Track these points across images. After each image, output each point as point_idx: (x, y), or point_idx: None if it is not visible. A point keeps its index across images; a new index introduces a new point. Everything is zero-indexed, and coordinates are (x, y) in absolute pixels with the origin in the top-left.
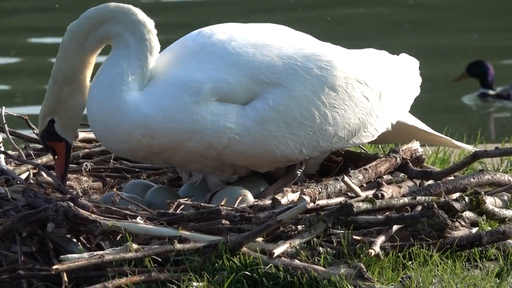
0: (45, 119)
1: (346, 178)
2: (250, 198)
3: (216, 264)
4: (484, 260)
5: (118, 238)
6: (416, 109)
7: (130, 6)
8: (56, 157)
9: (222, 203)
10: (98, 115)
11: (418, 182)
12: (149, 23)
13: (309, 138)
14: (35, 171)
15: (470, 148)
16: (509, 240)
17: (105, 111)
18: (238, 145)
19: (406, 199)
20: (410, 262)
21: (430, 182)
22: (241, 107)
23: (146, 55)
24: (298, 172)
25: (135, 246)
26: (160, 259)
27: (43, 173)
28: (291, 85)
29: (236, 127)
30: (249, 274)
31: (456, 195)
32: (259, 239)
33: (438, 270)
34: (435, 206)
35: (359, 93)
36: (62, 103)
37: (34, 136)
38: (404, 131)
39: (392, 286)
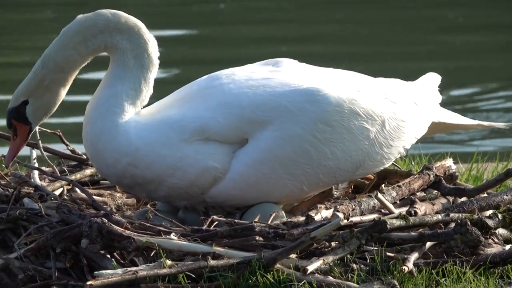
0: (19, 98)
1: (379, 195)
2: (283, 214)
3: (250, 281)
4: None
5: (152, 254)
6: None
7: (142, 27)
8: (15, 137)
9: (256, 219)
10: (91, 134)
11: (451, 199)
12: (154, 44)
13: (309, 175)
14: (69, 187)
15: (501, 126)
16: None
17: (96, 132)
18: (234, 190)
19: (439, 216)
20: (443, 279)
21: (463, 199)
22: (230, 148)
23: (143, 76)
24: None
25: (169, 262)
26: (194, 275)
27: (77, 189)
28: (281, 123)
29: (222, 167)
30: None
31: (489, 212)
32: (293, 256)
33: (471, 287)
34: (469, 223)
35: (359, 125)
36: (42, 88)
37: (68, 152)
38: (432, 127)
39: None
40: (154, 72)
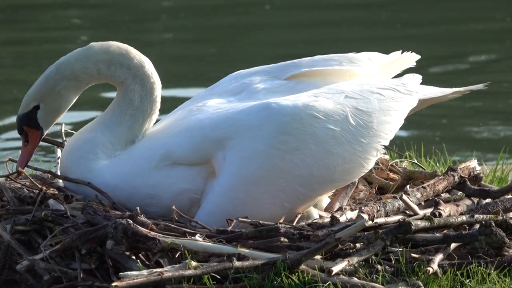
0: (30, 103)
1: (404, 196)
2: (314, 213)
3: (275, 282)
4: None
5: (177, 256)
6: None
7: (158, 94)
8: (26, 143)
9: (281, 221)
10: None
11: (476, 200)
12: (155, 115)
13: (285, 189)
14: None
15: (479, 87)
16: None
17: (73, 177)
18: (216, 224)
19: (464, 217)
20: (468, 280)
21: (488, 200)
22: (200, 170)
23: (126, 139)
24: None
25: (194, 263)
26: (219, 277)
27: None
28: (242, 140)
29: (196, 188)
30: None
31: None
32: (318, 257)
33: None
34: (493, 224)
35: (321, 127)
36: (54, 93)
37: None
38: (420, 105)
39: None
40: (141, 130)
